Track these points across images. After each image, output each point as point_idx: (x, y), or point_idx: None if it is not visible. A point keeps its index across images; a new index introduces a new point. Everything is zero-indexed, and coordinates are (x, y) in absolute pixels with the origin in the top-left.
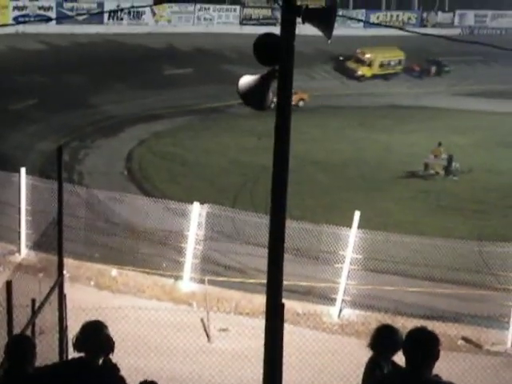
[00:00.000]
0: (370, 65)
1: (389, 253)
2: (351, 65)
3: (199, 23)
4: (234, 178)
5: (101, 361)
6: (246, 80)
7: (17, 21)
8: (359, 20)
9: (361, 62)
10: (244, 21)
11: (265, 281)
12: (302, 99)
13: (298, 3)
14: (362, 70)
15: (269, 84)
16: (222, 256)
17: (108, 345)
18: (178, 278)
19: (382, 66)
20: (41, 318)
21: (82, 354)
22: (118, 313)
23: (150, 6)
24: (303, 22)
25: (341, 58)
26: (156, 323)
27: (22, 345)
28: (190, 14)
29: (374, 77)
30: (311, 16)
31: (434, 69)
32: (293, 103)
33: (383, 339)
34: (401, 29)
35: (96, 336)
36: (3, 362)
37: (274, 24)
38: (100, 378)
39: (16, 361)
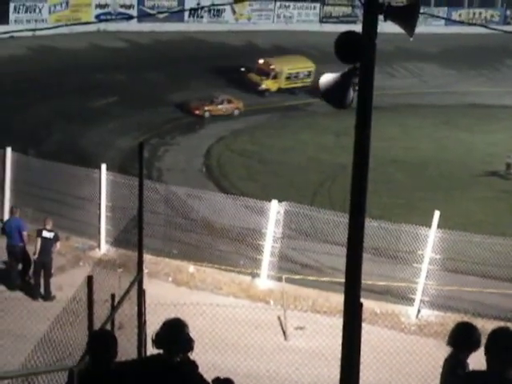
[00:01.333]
0: (275, 77)
1: (468, 253)
2: (253, 77)
3: (279, 21)
4: (312, 176)
5: (179, 358)
6: (327, 78)
7: (98, 18)
8: (441, 17)
9: (265, 74)
10: (324, 18)
11: (342, 279)
12: (237, 108)
13: (380, 1)
14: (267, 84)
15: (349, 82)
16: (299, 254)
17: (187, 344)
18: (255, 275)
19: (288, 78)
20: (120, 313)
21: (160, 351)
22: (195, 309)
23: (231, 3)
24: (385, 20)
25: (242, 69)
26: (233, 320)
27: (105, 340)
28: (269, 12)
29: (280, 91)
30: (393, 13)
31: None
32: (228, 112)
33: (465, 336)
34: (483, 26)
35: (176, 334)
36: (84, 355)
37: (355, 22)
38: (179, 374)
39: (99, 355)
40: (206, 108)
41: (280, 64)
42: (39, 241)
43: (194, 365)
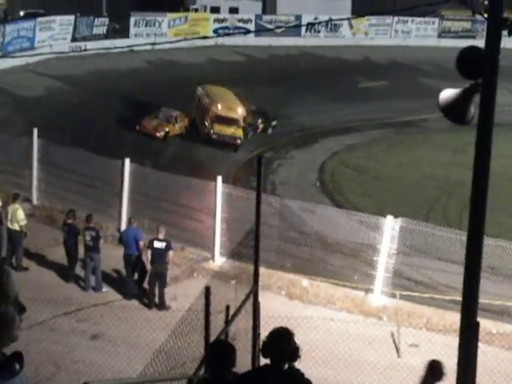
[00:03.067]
0: (238, 124)
1: None
2: (225, 130)
3: (396, 36)
4: (427, 192)
5: (286, 366)
6: (447, 94)
7: (217, 33)
8: None
9: (230, 122)
10: (442, 33)
11: (457, 297)
12: (186, 127)
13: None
14: (238, 133)
15: (471, 98)
16: (413, 271)
17: (294, 352)
18: (368, 290)
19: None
20: (234, 325)
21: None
22: (309, 323)
23: (348, 18)
24: (509, 35)
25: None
26: (346, 335)
27: (224, 349)
28: (387, 27)
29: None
30: None
31: (260, 122)
32: (181, 131)
33: None
34: None
35: (283, 343)
36: (201, 365)
37: (474, 37)
38: (289, 381)
39: (218, 365)
40: (166, 129)
41: (239, 105)
42: (149, 251)
43: (299, 372)
